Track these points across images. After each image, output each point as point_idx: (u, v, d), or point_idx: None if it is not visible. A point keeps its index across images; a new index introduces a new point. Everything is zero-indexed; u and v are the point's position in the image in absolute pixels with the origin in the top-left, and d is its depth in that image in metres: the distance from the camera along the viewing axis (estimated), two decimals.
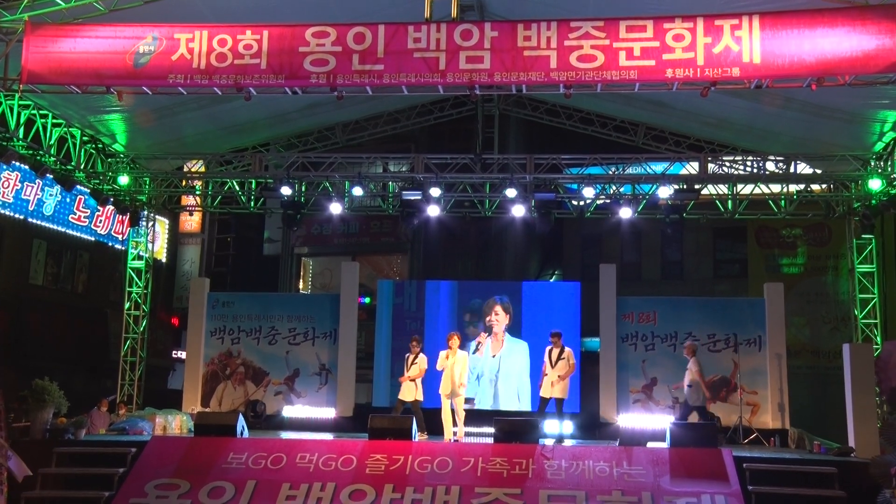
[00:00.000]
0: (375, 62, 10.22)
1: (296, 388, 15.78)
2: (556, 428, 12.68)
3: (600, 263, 16.19)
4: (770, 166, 15.72)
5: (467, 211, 17.29)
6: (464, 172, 15.81)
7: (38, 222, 19.08)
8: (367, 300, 21.18)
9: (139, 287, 17.07)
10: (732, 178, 15.81)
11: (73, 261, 21.87)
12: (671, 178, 15.17)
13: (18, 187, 18.00)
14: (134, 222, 16.95)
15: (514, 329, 15.74)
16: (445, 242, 24.42)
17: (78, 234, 20.59)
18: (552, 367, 12.50)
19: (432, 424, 13.01)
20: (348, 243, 25.36)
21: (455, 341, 12.56)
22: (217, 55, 10.39)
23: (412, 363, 12.84)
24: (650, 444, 11.65)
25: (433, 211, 15.58)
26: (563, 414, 12.75)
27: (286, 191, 15.35)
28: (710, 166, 15.48)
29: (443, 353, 12.60)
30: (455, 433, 12.30)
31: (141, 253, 17.36)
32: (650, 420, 14.53)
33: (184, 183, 17.56)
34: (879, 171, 14.37)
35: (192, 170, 17.74)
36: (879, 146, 14.26)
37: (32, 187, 18.37)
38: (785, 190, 16.10)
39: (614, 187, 16.00)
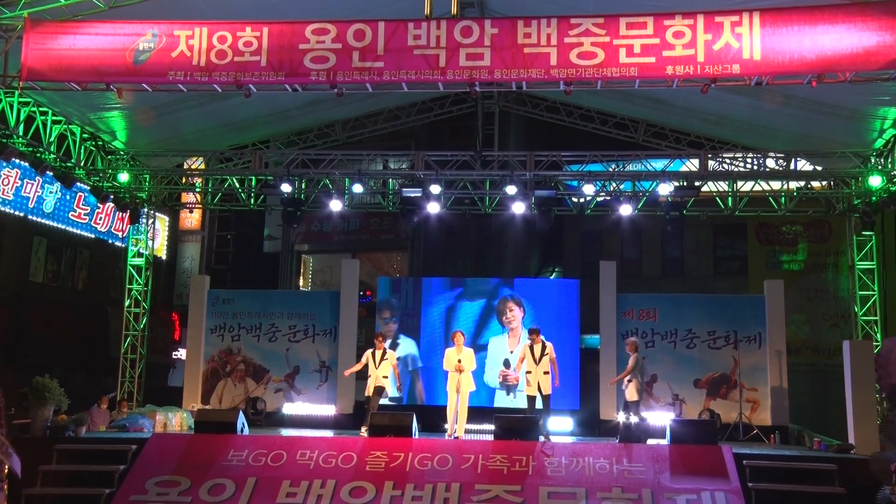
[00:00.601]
0: (375, 59, 10.22)
1: (296, 385, 15.78)
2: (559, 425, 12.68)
3: (600, 260, 16.18)
4: (770, 163, 15.71)
5: (467, 208, 17.29)
6: (464, 169, 15.79)
7: (39, 219, 19.10)
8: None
9: (139, 284, 17.08)
10: (733, 175, 15.80)
11: (74, 258, 21.87)
12: (671, 175, 15.16)
13: (18, 185, 18.00)
14: (134, 219, 16.94)
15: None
16: (446, 239, 24.42)
17: (78, 232, 20.61)
18: (536, 363, 12.40)
19: (434, 422, 13.04)
20: (348, 240, 25.39)
21: (460, 339, 12.55)
22: (217, 52, 10.39)
23: (382, 359, 12.72)
24: (650, 441, 11.65)
25: (433, 208, 15.57)
26: (549, 409, 12.65)
27: (286, 188, 15.34)
28: (711, 163, 15.47)
29: (449, 351, 12.59)
30: (455, 430, 12.28)
31: (141, 250, 17.35)
32: (650, 417, 14.52)
33: (184, 180, 17.55)
34: (880, 167, 14.36)
35: (192, 167, 17.71)
36: (880, 143, 14.25)
37: (32, 185, 18.37)
38: (785, 187, 16.11)
39: (614, 184, 15.99)
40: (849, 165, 14.83)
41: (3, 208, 17.79)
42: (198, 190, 17.84)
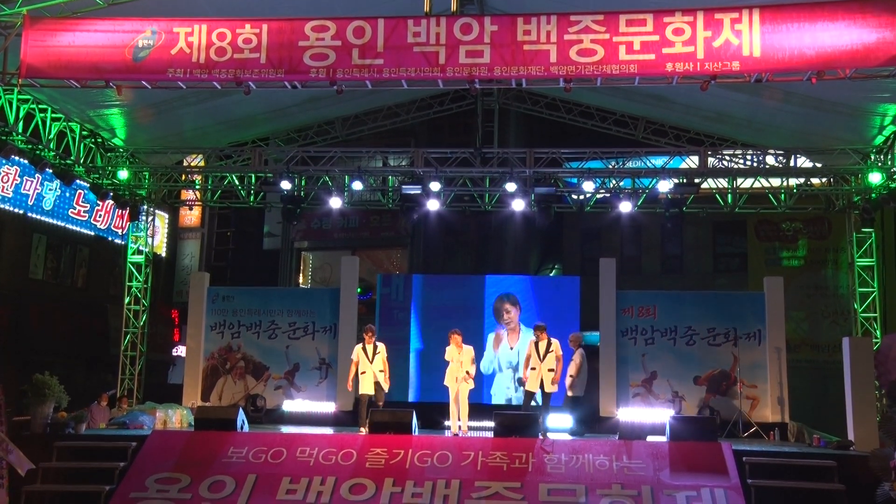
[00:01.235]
0: (375, 56, 10.21)
1: (296, 382, 15.78)
2: (561, 422, 12.67)
3: (600, 257, 16.17)
4: (770, 160, 15.72)
5: (467, 205, 17.28)
6: (463, 167, 15.79)
7: (38, 217, 19.06)
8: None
9: (139, 281, 17.08)
10: (732, 172, 15.81)
11: (73, 255, 21.85)
12: (671, 172, 15.17)
13: (18, 182, 17.97)
14: (134, 217, 16.95)
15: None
16: (445, 237, 24.45)
17: (78, 229, 20.58)
18: (541, 360, 12.33)
19: (435, 418, 13.03)
20: (348, 237, 25.40)
21: (457, 337, 12.44)
22: (216, 49, 10.38)
23: (374, 353, 12.53)
24: (650, 438, 11.66)
25: (433, 205, 15.58)
26: (549, 407, 12.63)
27: (286, 185, 15.33)
28: (710, 160, 15.49)
29: (449, 349, 12.56)
30: (459, 426, 12.28)
31: (141, 247, 17.35)
32: (650, 414, 14.54)
33: (183, 177, 17.55)
34: (879, 164, 14.37)
35: (192, 164, 17.71)
36: (879, 140, 14.25)
37: (32, 182, 18.34)
38: (785, 184, 16.12)
39: (614, 181, 15.99)
40: (848, 162, 14.83)
41: (2, 206, 17.76)
42: (197, 187, 17.84)
